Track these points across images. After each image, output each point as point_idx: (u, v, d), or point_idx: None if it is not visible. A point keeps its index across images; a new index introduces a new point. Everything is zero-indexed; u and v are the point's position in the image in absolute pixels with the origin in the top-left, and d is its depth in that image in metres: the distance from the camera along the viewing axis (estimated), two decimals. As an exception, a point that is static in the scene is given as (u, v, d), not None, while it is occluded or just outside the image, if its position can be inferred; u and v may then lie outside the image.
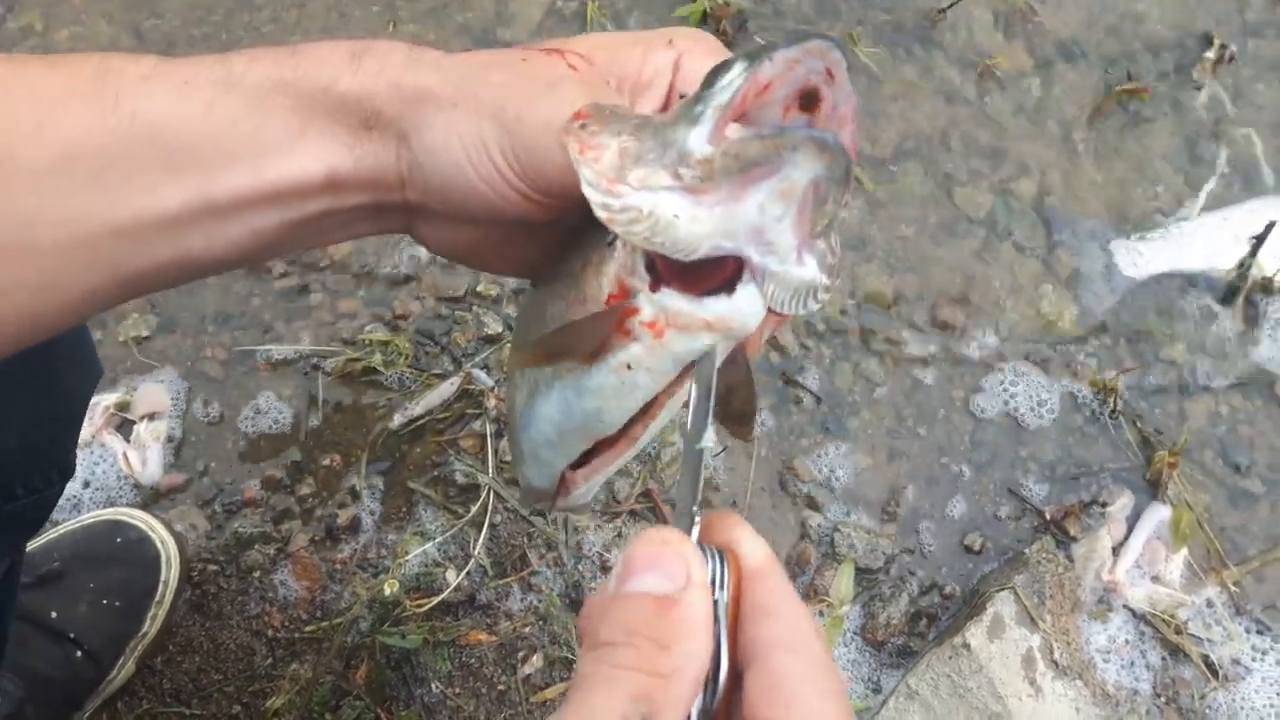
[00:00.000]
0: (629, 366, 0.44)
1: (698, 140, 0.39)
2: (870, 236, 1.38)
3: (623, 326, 0.43)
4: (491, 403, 1.27)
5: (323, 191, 0.49)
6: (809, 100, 0.40)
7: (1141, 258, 1.37)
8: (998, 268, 1.38)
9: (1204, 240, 1.38)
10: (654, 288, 0.42)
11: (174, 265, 0.49)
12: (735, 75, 0.39)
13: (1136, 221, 1.40)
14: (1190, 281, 1.37)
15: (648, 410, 0.47)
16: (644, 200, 0.40)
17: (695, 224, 0.39)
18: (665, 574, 0.38)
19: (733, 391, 0.48)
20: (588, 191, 0.41)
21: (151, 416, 1.28)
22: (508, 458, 1.25)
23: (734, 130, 0.39)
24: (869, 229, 1.39)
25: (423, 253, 1.36)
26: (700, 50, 0.50)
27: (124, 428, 1.28)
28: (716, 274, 0.41)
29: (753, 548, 0.41)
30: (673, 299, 0.42)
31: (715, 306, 0.42)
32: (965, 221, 1.40)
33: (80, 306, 0.49)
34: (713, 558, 0.39)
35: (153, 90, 0.46)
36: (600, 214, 0.41)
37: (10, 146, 0.44)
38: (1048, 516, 1.24)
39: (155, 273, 0.49)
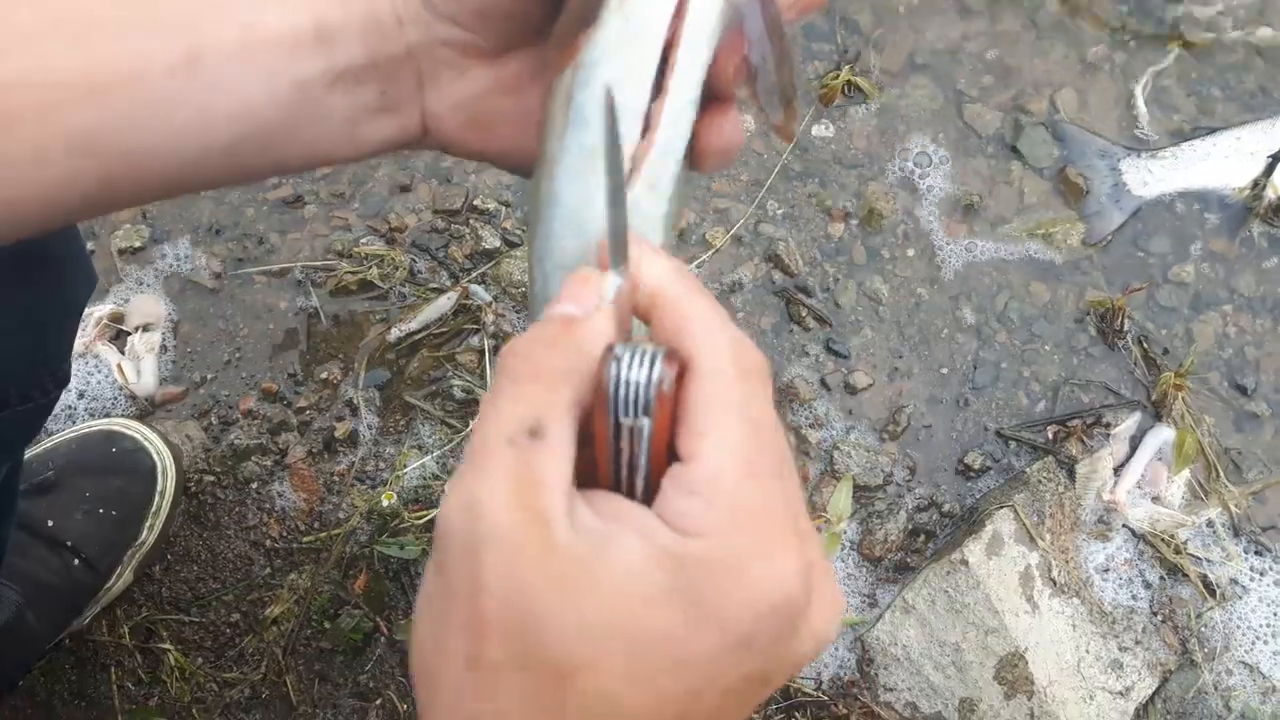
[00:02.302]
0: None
1: None
2: (877, 153, 1.36)
3: None
4: (489, 318, 1.26)
5: (314, 46, 0.46)
6: None
7: (1152, 176, 1.34)
8: (1005, 187, 1.35)
9: (1217, 159, 1.35)
10: None
11: (161, 150, 0.46)
12: None
13: (1148, 140, 1.37)
14: (1201, 201, 1.34)
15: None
16: None
17: None
18: (578, 302, 0.38)
19: (765, 61, 0.42)
20: None
21: (146, 327, 1.26)
22: (506, 372, 1.24)
23: None
24: (876, 144, 1.36)
25: (419, 164, 1.33)
26: None
27: (118, 339, 1.26)
28: None
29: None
30: None
31: None
32: (974, 138, 1.37)
33: (64, 194, 0.46)
34: (640, 365, 0.36)
35: None
36: None
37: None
38: (1050, 436, 1.24)
39: (141, 156, 0.46)
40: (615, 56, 0.41)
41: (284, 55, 0.45)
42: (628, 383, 0.35)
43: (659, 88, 0.42)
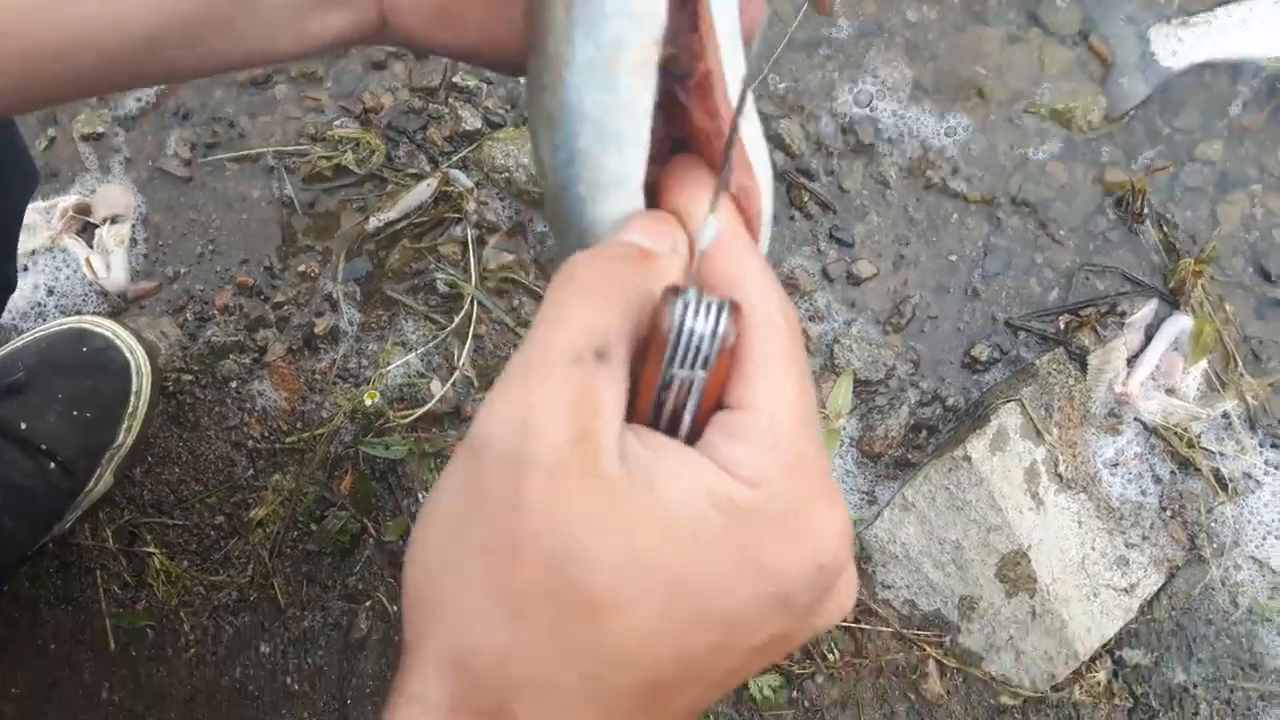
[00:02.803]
0: None
1: None
2: (887, 18, 1.26)
3: None
4: (471, 206, 1.19)
5: None
6: None
7: (1182, 44, 1.25)
8: (1026, 56, 1.26)
9: (1254, 25, 1.25)
10: None
11: (74, 45, 0.41)
12: None
13: (1182, 4, 1.27)
14: (1234, 71, 1.25)
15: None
16: None
17: None
18: (655, 236, 0.36)
19: None
20: None
21: (114, 219, 1.20)
22: (490, 266, 1.18)
23: None
24: (886, 9, 1.26)
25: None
26: None
27: (85, 232, 1.20)
28: None
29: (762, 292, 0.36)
30: None
31: None
32: (992, 1, 1.27)
33: None
34: (705, 316, 0.33)
35: None
36: None
37: None
38: (1062, 326, 1.18)
39: (52, 51, 0.41)
40: None
41: None
42: (691, 331, 0.33)
43: None
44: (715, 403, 0.34)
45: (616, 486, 0.31)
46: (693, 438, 0.34)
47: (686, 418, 0.34)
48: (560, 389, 0.32)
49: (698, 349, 0.33)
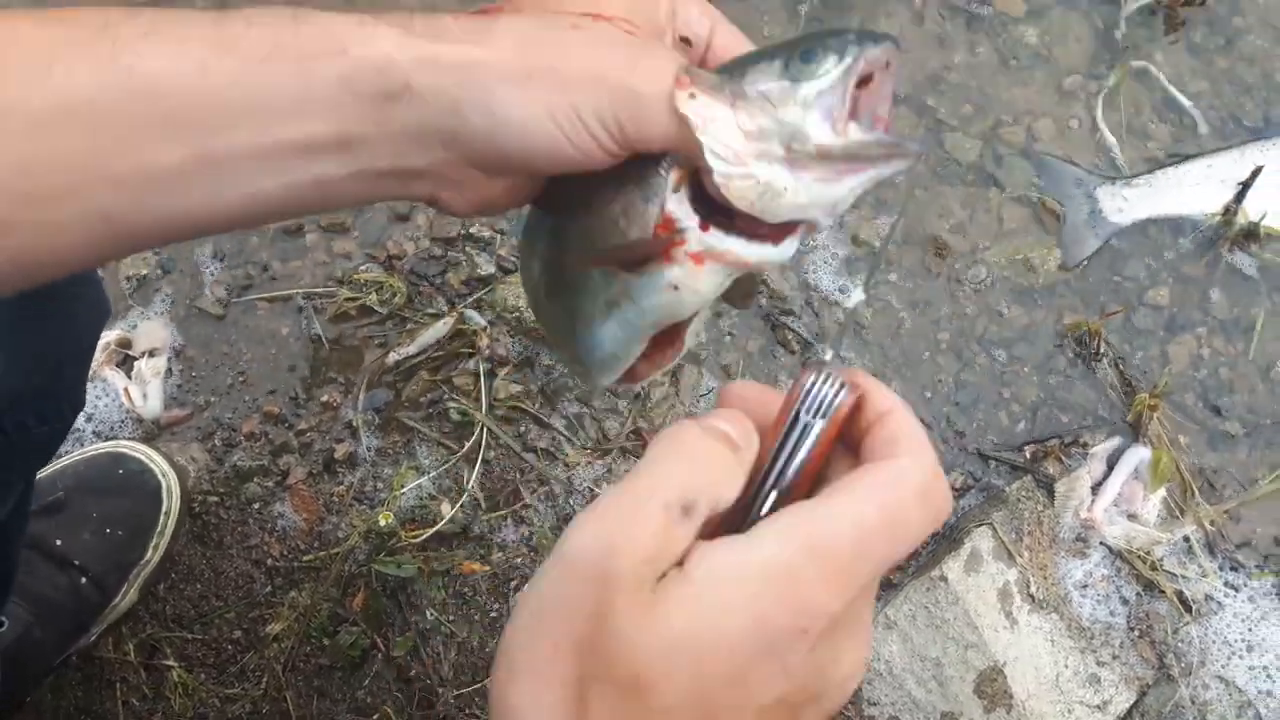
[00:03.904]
0: (675, 287, 0.48)
1: (821, 129, 0.45)
2: (860, 181, 1.40)
3: (667, 253, 0.48)
4: (484, 342, 1.30)
5: (335, 152, 0.48)
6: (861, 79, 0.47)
7: (1127, 203, 1.38)
8: (984, 214, 1.39)
9: (1190, 186, 1.39)
10: (704, 227, 0.47)
11: (173, 222, 0.49)
12: (837, 68, 0.46)
13: (1123, 168, 1.41)
14: (1175, 227, 1.38)
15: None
16: (763, 172, 0.45)
17: (796, 197, 0.46)
18: (740, 433, 0.43)
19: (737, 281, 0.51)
20: (712, 161, 0.46)
21: (152, 353, 1.30)
22: (500, 395, 1.28)
23: (854, 128, 0.46)
24: (858, 173, 1.40)
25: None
26: None
27: (125, 364, 1.30)
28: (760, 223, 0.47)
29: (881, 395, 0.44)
30: (722, 240, 0.47)
31: (761, 252, 0.47)
32: (955, 166, 1.41)
33: (77, 255, 0.49)
34: (830, 384, 0.42)
35: (149, 48, 0.46)
36: (719, 180, 0.46)
37: (9, 99, 0.44)
38: (1029, 456, 1.27)
39: (154, 227, 0.49)
40: (664, 314, 0.51)
41: (301, 158, 0.48)
42: (817, 393, 0.42)
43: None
44: (818, 467, 0.42)
45: (669, 593, 0.38)
46: (791, 487, 0.42)
47: (797, 460, 0.42)
48: (646, 525, 0.39)
49: (820, 403, 0.42)
